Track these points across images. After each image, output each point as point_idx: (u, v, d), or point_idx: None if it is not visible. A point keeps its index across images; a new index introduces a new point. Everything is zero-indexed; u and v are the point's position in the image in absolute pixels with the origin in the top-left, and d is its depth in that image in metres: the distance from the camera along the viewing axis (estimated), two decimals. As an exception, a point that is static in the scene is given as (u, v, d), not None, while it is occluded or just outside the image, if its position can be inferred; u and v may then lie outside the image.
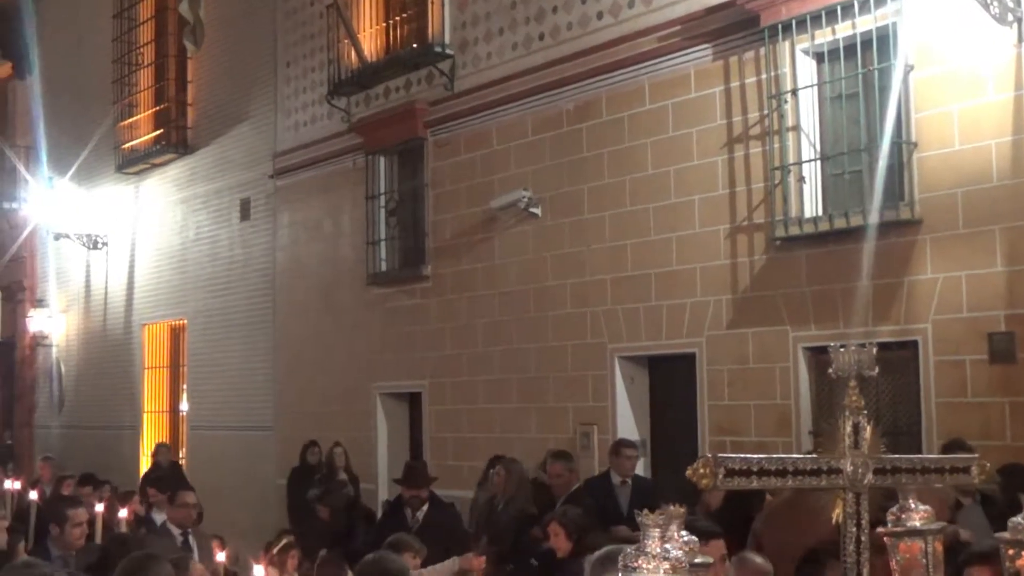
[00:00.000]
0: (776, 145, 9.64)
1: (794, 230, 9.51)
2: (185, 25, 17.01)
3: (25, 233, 21.23)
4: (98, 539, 7.88)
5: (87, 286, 20.08)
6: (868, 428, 3.50)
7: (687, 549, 3.21)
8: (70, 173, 19.51)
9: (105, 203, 19.33)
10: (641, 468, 10.55)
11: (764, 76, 9.75)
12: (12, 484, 10.00)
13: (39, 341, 21.38)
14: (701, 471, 3.17)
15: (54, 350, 20.93)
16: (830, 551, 5.01)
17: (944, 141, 8.67)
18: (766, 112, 9.74)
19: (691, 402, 10.36)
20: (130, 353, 18.88)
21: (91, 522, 8.06)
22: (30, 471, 17.19)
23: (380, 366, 13.82)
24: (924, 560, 3.64)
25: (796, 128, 9.63)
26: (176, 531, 8.53)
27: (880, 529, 3.66)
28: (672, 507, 3.25)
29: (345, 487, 12.48)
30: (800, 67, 9.64)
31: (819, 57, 9.60)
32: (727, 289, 10.07)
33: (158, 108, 18.29)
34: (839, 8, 9.16)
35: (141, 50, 18.76)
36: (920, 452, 8.10)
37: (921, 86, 8.82)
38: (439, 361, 12.95)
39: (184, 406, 17.83)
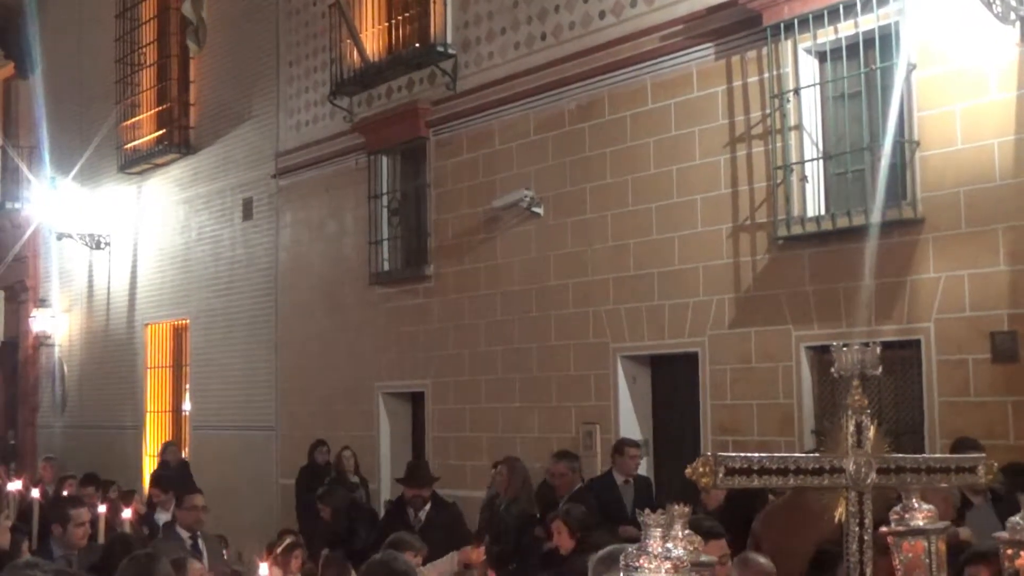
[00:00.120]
0: (778, 144, 9.63)
1: (796, 229, 9.50)
2: (187, 25, 17.05)
3: (28, 233, 21.24)
4: (101, 539, 7.89)
5: (90, 286, 20.09)
6: (872, 428, 3.50)
7: (690, 548, 3.21)
8: (73, 173, 19.53)
9: (108, 203, 19.34)
10: (644, 468, 10.55)
11: (766, 75, 9.74)
12: (14, 485, 10.02)
13: (42, 341, 21.39)
14: (701, 470, 3.16)
15: (57, 350, 20.94)
16: (839, 554, 5.02)
17: (946, 140, 8.67)
18: (768, 111, 9.74)
19: (693, 401, 10.35)
20: (133, 353, 18.89)
21: (94, 522, 8.07)
22: (33, 471, 17.19)
23: (382, 366, 13.83)
24: (927, 560, 3.63)
25: (798, 127, 9.63)
26: (185, 534, 8.45)
27: (883, 528, 3.66)
28: (676, 506, 3.24)
29: (356, 491, 12.47)
30: (802, 66, 9.64)
31: (821, 56, 9.60)
32: (729, 288, 10.07)
33: (160, 108, 18.30)
34: (841, 7, 9.16)
35: (143, 50, 18.77)
36: (923, 451, 8.10)
37: (923, 85, 8.81)
38: (441, 361, 12.95)
39: (187, 406, 17.84)
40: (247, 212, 16.29)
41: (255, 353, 15.97)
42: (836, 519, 3.47)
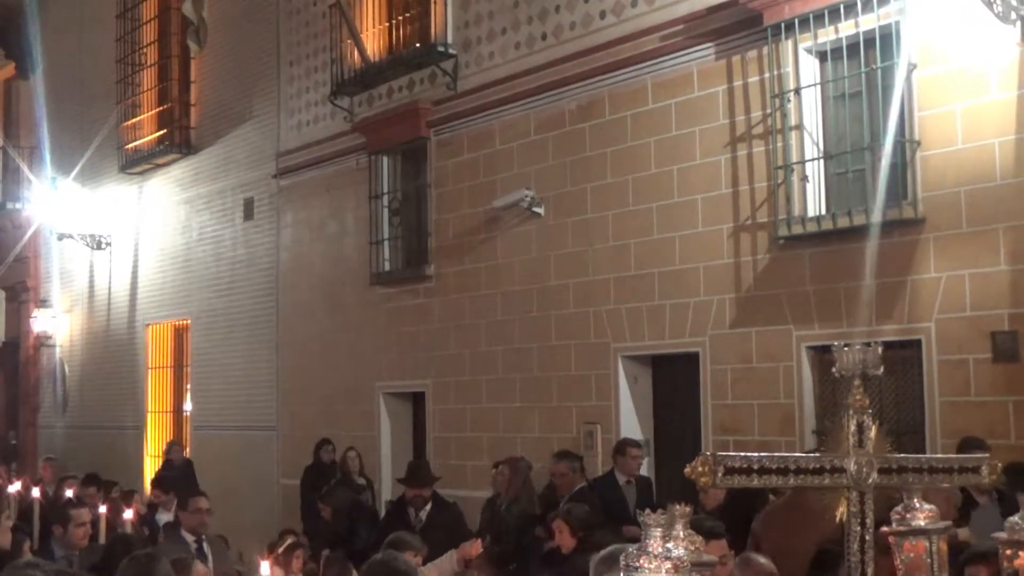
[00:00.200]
0: (779, 144, 9.63)
1: (797, 229, 9.50)
2: (188, 25, 17.05)
3: (29, 233, 21.24)
4: (102, 539, 7.89)
5: (91, 286, 20.09)
6: (873, 427, 3.50)
7: (691, 548, 3.21)
8: (74, 173, 19.53)
9: (109, 203, 19.34)
10: (645, 467, 10.55)
11: (767, 75, 9.74)
12: (14, 487, 10.02)
13: (43, 341, 21.39)
14: (700, 469, 3.16)
15: (58, 350, 20.94)
16: (840, 553, 5.02)
17: (947, 140, 8.67)
18: (769, 111, 9.73)
19: (694, 401, 10.35)
20: (134, 353, 18.89)
21: (95, 522, 8.07)
22: (34, 471, 17.20)
23: (383, 366, 13.83)
24: (929, 560, 3.63)
25: (799, 127, 9.63)
26: (190, 538, 8.34)
27: (884, 528, 3.66)
28: (678, 506, 3.24)
29: (363, 492, 12.46)
30: (803, 66, 9.64)
31: (822, 56, 9.60)
32: (730, 288, 10.07)
33: (161, 108, 18.30)
34: (842, 7, 9.16)
35: (144, 50, 18.76)
36: (924, 451, 8.10)
37: (924, 85, 8.81)
38: (442, 361, 12.95)
39: (188, 406, 17.84)
40: (248, 212, 16.29)
41: (256, 353, 15.97)
42: (838, 519, 3.47)
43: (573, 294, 11.44)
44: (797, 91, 9.61)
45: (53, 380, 21.11)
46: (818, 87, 9.65)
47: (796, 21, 9.47)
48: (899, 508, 3.71)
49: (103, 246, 19.44)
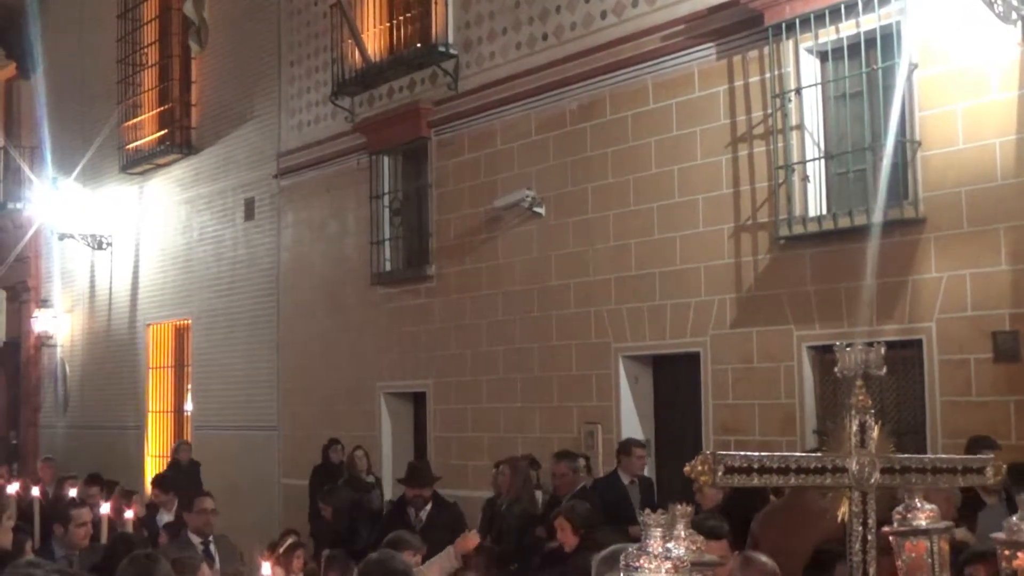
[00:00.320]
0: (780, 144, 9.63)
1: (798, 229, 9.50)
2: (189, 25, 17.05)
3: (30, 233, 21.24)
4: (104, 539, 7.88)
5: (91, 286, 20.09)
6: (875, 428, 3.49)
7: (692, 548, 3.20)
8: (74, 173, 19.53)
9: (109, 203, 19.34)
10: (645, 468, 10.54)
11: (768, 75, 9.74)
12: (13, 487, 10.00)
13: (44, 341, 21.39)
14: (700, 468, 3.15)
15: (59, 350, 20.94)
16: (839, 552, 5.01)
17: (948, 140, 8.66)
18: (770, 111, 9.73)
19: (695, 401, 10.35)
20: (134, 353, 18.90)
21: (96, 522, 8.07)
22: (35, 471, 17.19)
23: (384, 366, 13.83)
24: (930, 560, 3.63)
25: (800, 127, 9.63)
26: (197, 539, 8.30)
27: (885, 528, 3.65)
28: (679, 506, 3.23)
29: (372, 490, 12.44)
30: (804, 66, 9.63)
31: (823, 56, 9.60)
32: (731, 288, 10.07)
33: (162, 108, 18.30)
34: (843, 7, 9.16)
35: (145, 50, 18.77)
36: (925, 451, 8.09)
37: (925, 85, 8.81)
38: (443, 361, 12.95)
39: (188, 406, 17.84)
40: (249, 212, 16.29)
41: (257, 353, 15.97)
42: (839, 519, 3.46)
43: (574, 294, 11.44)
44: (798, 91, 9.61)
45: (54, 380, 21.11)
46: (819, 87, 9.65)
47: (797, 21, 9.47)
48: (900, 508, 3.70)
49: (104, 246, 19.45)
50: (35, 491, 8.97)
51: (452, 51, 12.91)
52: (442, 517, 9.55)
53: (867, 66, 9.22)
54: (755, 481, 3.24)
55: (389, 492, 13.30)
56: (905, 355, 8.79)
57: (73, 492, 10.05)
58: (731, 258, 10.06)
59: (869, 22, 9.06)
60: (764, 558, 5.20)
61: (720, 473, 3.16)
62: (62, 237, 19.67)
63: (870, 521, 3.43)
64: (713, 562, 3.52)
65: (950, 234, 8.63)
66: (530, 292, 11.90)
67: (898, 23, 8.92)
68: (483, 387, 12.44)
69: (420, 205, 13.54)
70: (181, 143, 17.74)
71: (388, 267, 13.83)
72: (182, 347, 18.25)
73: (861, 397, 3.49)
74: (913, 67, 8.83)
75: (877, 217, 8.90)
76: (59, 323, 20.84)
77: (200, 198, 17.35)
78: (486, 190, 12.39)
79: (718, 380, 10.15)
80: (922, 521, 3.65)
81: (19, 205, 21.79)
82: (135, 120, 18.66)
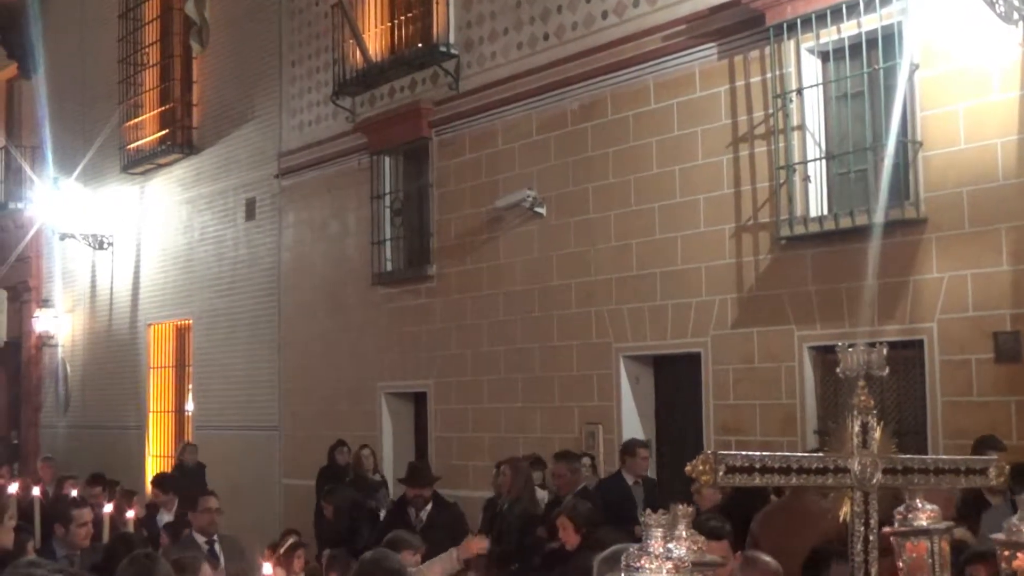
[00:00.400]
0: (781, 144, 9.63)
1: (799, 229, 9.50)
2: (191, 25, 17.04)
3: (31, 233, 21.23)
4: (106, 539, 7.87)
5: (93, 286, 20.09)
6: (877, 428, 3.49)
7: (694, 548, 3.20)
8: (75, 173, 19.53)
9: (110, 203, 19.34)
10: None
11: (769, 75, 9.74)
12: (13, 487, 9.99)
13: (45, 341, 21.39)
14: (701, 467, 3.15)
15: (60, 350, 20.94)
16: (834, 551, 5.01)
17: (949, 140, 8.66)
18: (771, 111, 9.73)
19: (696, 402, 10.35)
20: (136, 353, 18.90)
21: (99, 522, 8.06)
22: (35, 471, 17.18)
23: (385, 366, 13.83)
24: (931, 560, 3.63)
25: (801, 127, 9.62)
26: (201, 539, 8.25)
27: (886, 529, 3.65)
28: (680, 507, 3.23)
29: (380, 490, 12.42)
30: (805, 66, 9.63)
31: (824, 56, 9.59)
32: (732, 288, 10.06)
33: (163, 108, 18.30)
34: (844, 7, 9.15)
35: (146, 50, 18.77)
36: (926, 452, 8.08)
37: (926, 85, 8.81)
38: (444, 361, 12.95)
39: (189, 406, 17.84)
40: (250, 212, 16.29)
41: (258, 353, 15.97)
42: (841, 519, 3.46)
43: (575, 294, 11.43)
44: (799, 91, 9.61)
45: (55, 380, 21.11)
46: (820, 87, 9.65)
47: (798, 21, 9.47)
48: (901, 508, 3.70)
49: (105, 246, 19.45)
50: (35, 491, 8.96)
51: (453, 51, 12.91)
52: (442, 517, 9.55)
53: (868, 66, 9.22)
54: (757, 481, 3.24)
55: (390, 492, 13.29)
56: (906, 355, 8.79)
57: (74, 492, 10.04)
58: (732, 258, 10.06)
59: (870, 22, 9.06)
60: (767, 558, 5.20)
61: (721, 472, 3.16)
62: (63, 237, 19.67)
63: (872, 521, 3.43)
64: (714, 562, 3.52)
65: (951, 234, 8.63)
66: (531, 292, 11.90)
67: (899, 23, 8.91)
68: (484, 387, 12.44)
69: (421, 205, 13.54)
70: (182, 143, 17.74)
71: (389, 267, 13.83)
72: (183, 347, 18.25)
73: (863, 398, 3.48)
74: (914, 67, 8.83)
75: (878, 217, 8.90)
76: (60, 323, 20.84)
77: (201, 198, 17.35)
78: (487, 190, 12.39)
79: (719, 380, 10.14)
80: (923, 521, 3.65)
81: (20, 205, 21.78)
82: (136, 120, 18.66)
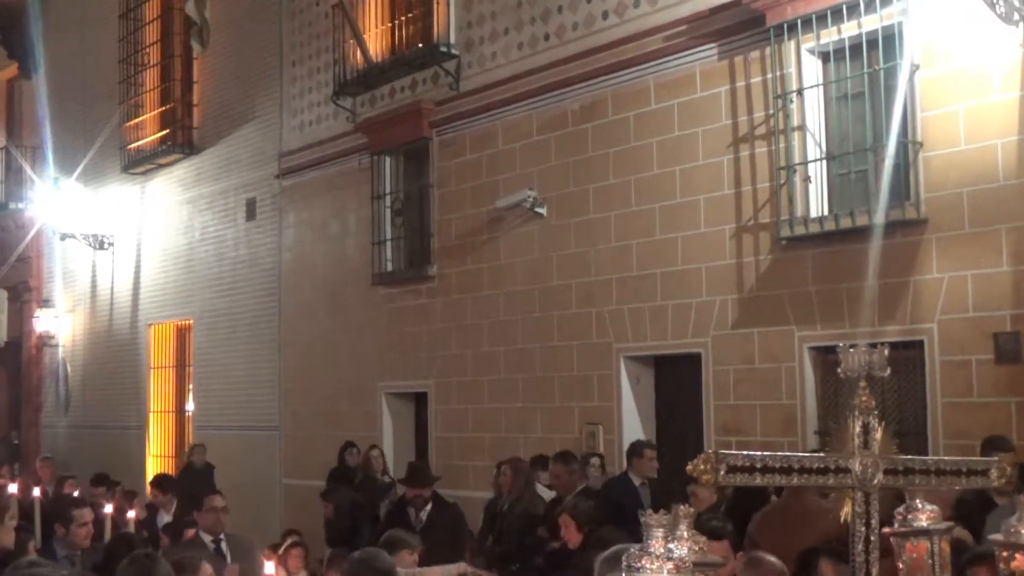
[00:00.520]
0: (782, 145, 9.63)
1: (800, 230, 9.50)
2: (191, 25, 17.03)
3: (31, 233, 21.23)
4: (108, 539, 7.87)
5: (93, 286, 20.10)
6: (879, 429, 3.49)
7: (695, 549, 3.20)
8: (76, 173, 19.53)
9: (111, 203, 19.35)
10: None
11: (770, 76, 9.74)
12: (13, 487, 10.00)
13: (45, 341, 21.39)
14: (702, 467, 3.16)
15: (60, 350, 20.94)
16: (824, 549, 5.01)
17: (950, 140, 8.66)
18: (772, 112, 9.73)
19: (696, 402, 10.35)
20: (136, 353, 18.90)
21: (101, 522, 8.06)
22: (35, 471, 17.19)
23: (386, 366, 13.83)
24: (930, 561, 3.63)
25: (802, 128, 9.62)
26: (207, 538, 8.22)
27: (886, 529, 3.66)
28: (682, 507, 3.24)
29: (390, 491, 12.42)
30: (806, 67, 9.63)
31: (825, 57, 9.59)
32: (733, 289, 10.06)
33: (164, 108, 18.30)
34: (845, 7, 9.15)
35: (147, 50, 18.77)
36: (926, 453, 8.09)
37: (927, 86, 8.81)
38: (444, 361, 12.96)
39: (190, 406, 17.85)
40: (250, 212, 16.29)
41: (258, 353, 15.98)
42: (842, 519, 3.47)
43: (575, 294, 11.44)
44: (800, 92, 9.61)
45: (55, 380, 21.11)
46: (821, 88, 9.65)
47: (799, 22, 9.47)
48: (901, 509, 3.71)
49: (105, 246, 19.45)
50: (36, 491, 8.97)
51: (454, 51, 12.92)
52: (442, 517, 9.55)
53: (869, 67, 9.22)
54: (758, 480, 3.25)
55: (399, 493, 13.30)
56: (906, 356, 8.79)
57: (75, 493, 10.05)
58: (732, 259, 10.06)
59: (871, 23, 9.06)
60: (772, 558, 5.20)
61: (723, 472, 3.16)
62: (64, 237, 19.67)
63: (873, 522, 3.44)
64: (715, 562, 3.53)
65: (951, 235, 8.63)
66: (531, 292, 11.90)
67: (900, 24, 8.91)
68: (484, 387, 12.44)
69: (421, 205, 13.54)
70: (183, 143, 17.74)
71: (389, 267, 13.84)
72: (184, 347, 18.25)
73: (864, 398, 3.49)
74: (915, 68, 8.83)
75: (879, 218, 8.90)
76: (61, 323, 20.84)
77: (202, 198, 17.35)
78: (488, 190, 12.39)
79: (719, 381, 10.14)
80: (923, 522, 3.65)
81: (21, 205, 21.79)
82: (137, 120, 18.66)
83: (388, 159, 13.95)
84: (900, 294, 8.90)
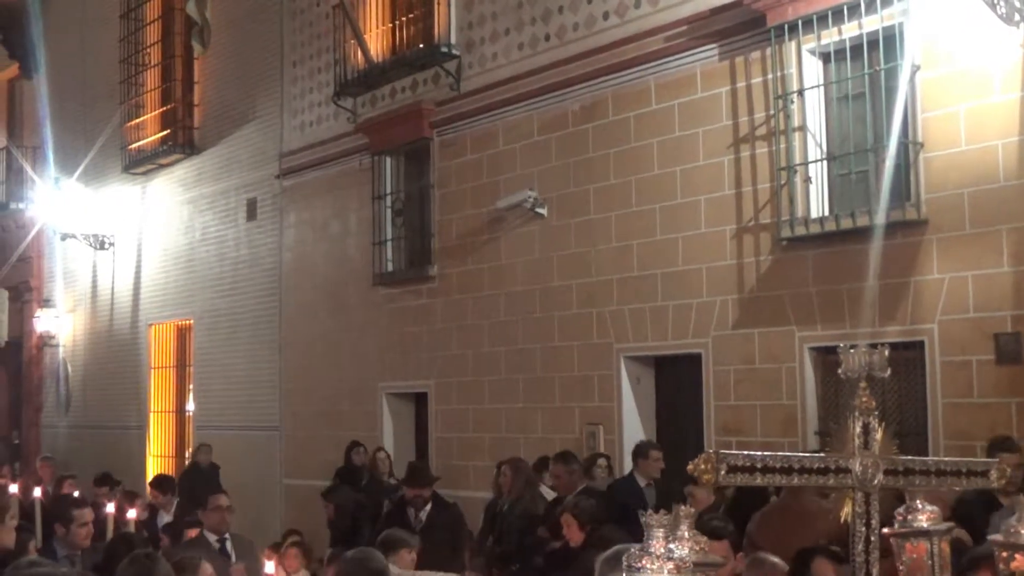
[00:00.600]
0: (782, 145, 9.63)
1: (800, 230, 9.50)
2: (192, 26, 17.05)
3: (32, 233, 21.23)
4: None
5: (94, 286, 20.10)
6: (879, 429, 3.50)
7: (696, 549, 3.20)
8: (77, 173, 19.53)
9: (112, 203, 19.35)
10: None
11: (770, 76, 9.74)
12: (13, 488, 9.99)
13: (46, 341, 21.39)
14: (703, 467, 3.16)
15: (61, 350, 20.95)
16: (824, 549, 5.01)
17: (950, 141, 8.66)
18: (772, 112, 9.73)
19: (697, 402, 10.35)
20: (137, 353, 18.90)
21: (104, 522, 8.06)
22: (36, 471, 17.19)
23: (386, 366, 13.83)
24: (930, 561, 3.63)
25: (802, 128, 9.62)
26: (212, 538, 8.19)
27: (886, 530, 3.66)
28: (683, 507, 3.24)
29: (395, 493, 12.42)
30: (806, 67, 9.63)
31: (825, 57, 9.59)
32: (733, 289, 10.07)
33: (165, 108, 18.31)
34: (845, 8, 9.15)
35: (148, 50, 18.77)
36: (927, 453, 8.09)
37: (927, 86, 8.81)
38: (445, 361, 12.96)
39: (190, 406, 17.85)
40: (251, 212, 16.30)
41: (259, 353, 15.98)
42: (842, 520, 3.47)
43: (576, 295, 11.44)
44: (800, 92, 9.61)
45: (56, 380, 21.12)
46: (821, 88, 9.65)
47: (800, 22, 9.47)
48: (900, 509, 3.71)
49: (106, 246, 19.45)
50: (37, 491, 8.96)
51: (454, 52, 12.92)
52: (442, 517, 9.56)
53: (869, 67, 9.22)
54: (758, 480, 3.25)
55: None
56: (907, 356, 8.79)
57: (75, 492, 10.04)
58: (733, 259, 10.06)
59: (871, 23, 9.06)
60: (775, 559, 5.21)
61: (723, 472, 3.16)
62: (64, 237, 19.67)
63: (873, 522, 3.44)
64: (716, 562, 3.53)
65: (952, 235, 8.63)
66: (532, 293, 11.90)
67: (900, 24, 8.92)
68: (485, 388, 12.45)
69: (422, 205, 13.54)
70: (183, 143, 17.75)
71: (390, 267, 13.84)
72: (184, 347, 18.25)
73: (865, 399, 3.49)
74: (915, 68, 8.83)
75: (879, 218, 8.90)
76: (61, 323, 20.84)
77: (202, 198, 17.36)
78: (488, 191, 12.40)
79: (720, 381, 10.14)
80: (923, 522, 3.65)
81: (21, 205, 21.79)
82: (137, 120, 18.67)
83: (389, 159, 13.95)
84: (901, 295, 8.90)
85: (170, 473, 15.54)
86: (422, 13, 13.39)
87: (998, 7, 8.15)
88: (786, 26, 9.55)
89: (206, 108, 17.54)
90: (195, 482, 13.40)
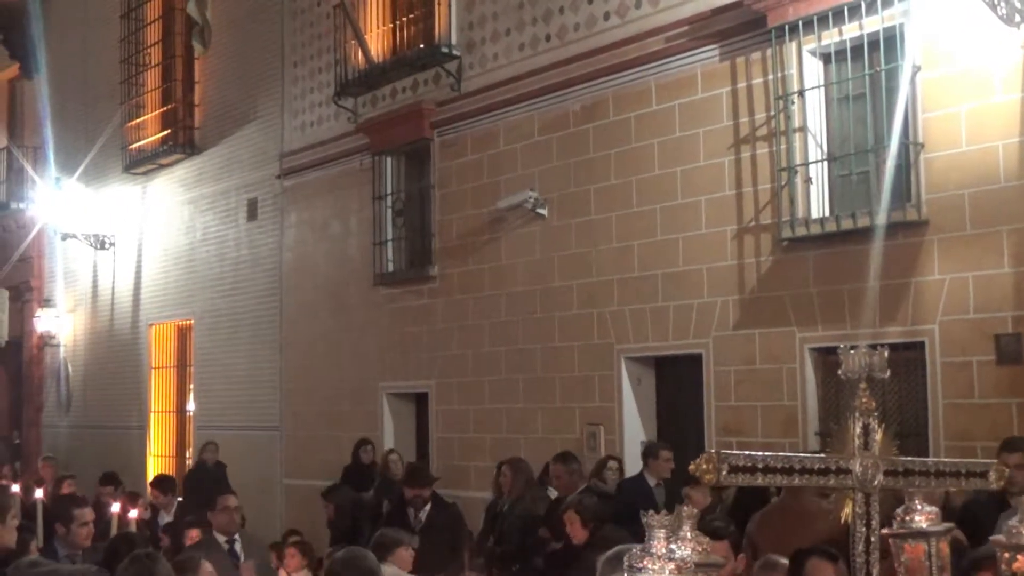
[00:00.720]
0: (783, 146, 9.64)
1: (801, 231, 9.51)
2: (193, 26, 17.05)
3: (32, 233, 21.24)
4: (111, 540, 7.87)
5: (94, 286, 20.11)
6: (879, 430, 3.50)
7: (699, 549, 3.21)
8: (77, 173, 19.54)
9: (112, 203, 19.35)
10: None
11: (771, 77, 9.74)
12: (15, 488, 10.00)
13: (46, 341, 21.40)
14: (704, 467, 3.16)
15: (61, 350, 20.95)
16: (820, 549, 5.02)
17: (951, 142, 8.67)
18: (773, 113, 9.73)
19: (698, 403, 10.36)
20: (137, 353, 18.91)
21: (108, 521, 8.07)
22: (37, 471, 17.19)
23: (387, 366, 13.84)
24: (928, 562, 3.63)
25: (803, 129, 9.63)
26: (222, 538, 8.15)
27: (884, 531, 3.66)
28: (685, 508, 3.25)
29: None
30: (807, 68, 9.64)
31: (826, 58, 9.60)
32: (734, 290, 10.07)
33: (165, 108, 18.31)
34: (846, 9, 9.16)
35: (148, 50, 18.77)
36: (927, 454, 8.10)
37: (928, 87, 8.82)
38: (445, 361, 12.96)
39: (191, 406, 17.85)
40: (252, 213, 16.30)
41: (259, 353, 15.98)
42: (842, 520, 3.47)
43: (577, 295, 11.44)
44: (801, 93, 9.61)
45: (57, 380, 21.12)
46: (822, 89, 9.65)
47: (800, 23, 9.47)
48: (899, 510, 3.71)
49: (107, 246, 19.46)
50: (38, 492, 8.97)
51: (455, 52, 12.92)
52: (441, 517, 9.57)
53: (870, 68, 9.23)
54: (759, 480, 3.25)
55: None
56: (907, 357, 8.79)
57: (74, 492, 10.05)
58: (734, 260, 10.07)
59: (872, 24, 9.06)
60: (785, 561, 5.21)
61: (724, 472, 3.17)
62: (65, 237, 19.67)
63: (873, 522, 3.44)
64: (717, 563, 3.53)
65: (953, 236, 8.64)
66: (533, 293, 11.91)
67: (901, 25, 8.92)
68: (485, 388, 12.45)
69: (423, 206, 13.55)
70: (184, 143, 17.75)
71: (391, 268, 13.84)
72: (185, 347, 18.26)
73: (865, 400, 3.49)
74: (916, 69, 8.83)
75: (880, 219, 8.90)
76: (62, 323, 20.85)
77: (203, 198, 17.36)
78: (489, 191, 12.40)
79: (720, 381, 10.15)
80: (921, 523, 3.66)
81: (22, 205, 21.80)
82: (138, 120, 18.67)
83: (389, 159, 13.95)
84: (901, 295, 8.90)
85: (171, 473, 15.55)
86: (423, 13, 13.40)
87: (999, 8, 8.16)
88: (787, 27, 9.55)
89: (207, 108, 17.54)
90: (201, 481, 13.40)
